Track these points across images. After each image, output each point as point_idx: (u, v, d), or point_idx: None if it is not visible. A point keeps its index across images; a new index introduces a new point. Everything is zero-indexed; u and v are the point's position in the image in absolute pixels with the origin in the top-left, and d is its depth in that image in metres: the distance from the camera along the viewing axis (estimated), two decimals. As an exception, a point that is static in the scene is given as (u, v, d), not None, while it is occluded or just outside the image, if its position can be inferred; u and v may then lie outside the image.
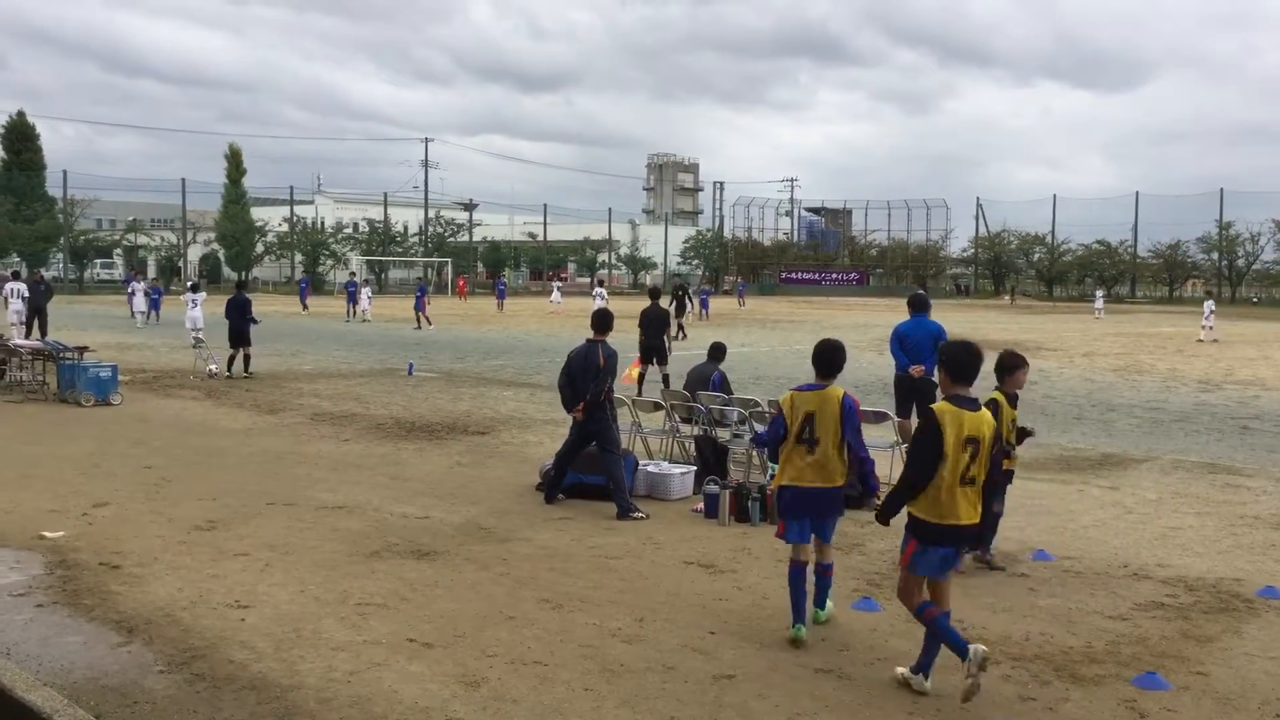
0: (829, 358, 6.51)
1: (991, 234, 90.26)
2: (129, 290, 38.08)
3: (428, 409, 15.50)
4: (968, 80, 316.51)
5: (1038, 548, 8.31)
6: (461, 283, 67.62)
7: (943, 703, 5.33)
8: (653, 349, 17.63)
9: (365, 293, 42.14)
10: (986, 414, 5.48)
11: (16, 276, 30.44)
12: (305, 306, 45.29)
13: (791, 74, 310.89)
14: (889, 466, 10.27)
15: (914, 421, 11.97)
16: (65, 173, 67.13)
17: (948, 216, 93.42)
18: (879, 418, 11.08)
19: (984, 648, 5.18)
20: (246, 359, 19.31)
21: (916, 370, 11.92)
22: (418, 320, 36.01)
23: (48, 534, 8.14)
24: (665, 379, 17.10)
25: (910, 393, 12.15)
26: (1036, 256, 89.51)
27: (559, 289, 53.86)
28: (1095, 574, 7.68)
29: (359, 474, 10.76)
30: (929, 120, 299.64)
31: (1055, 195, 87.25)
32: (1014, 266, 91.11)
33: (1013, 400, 7.74)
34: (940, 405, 5.44)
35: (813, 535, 6.36)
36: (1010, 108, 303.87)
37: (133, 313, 36.37)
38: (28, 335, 22.68)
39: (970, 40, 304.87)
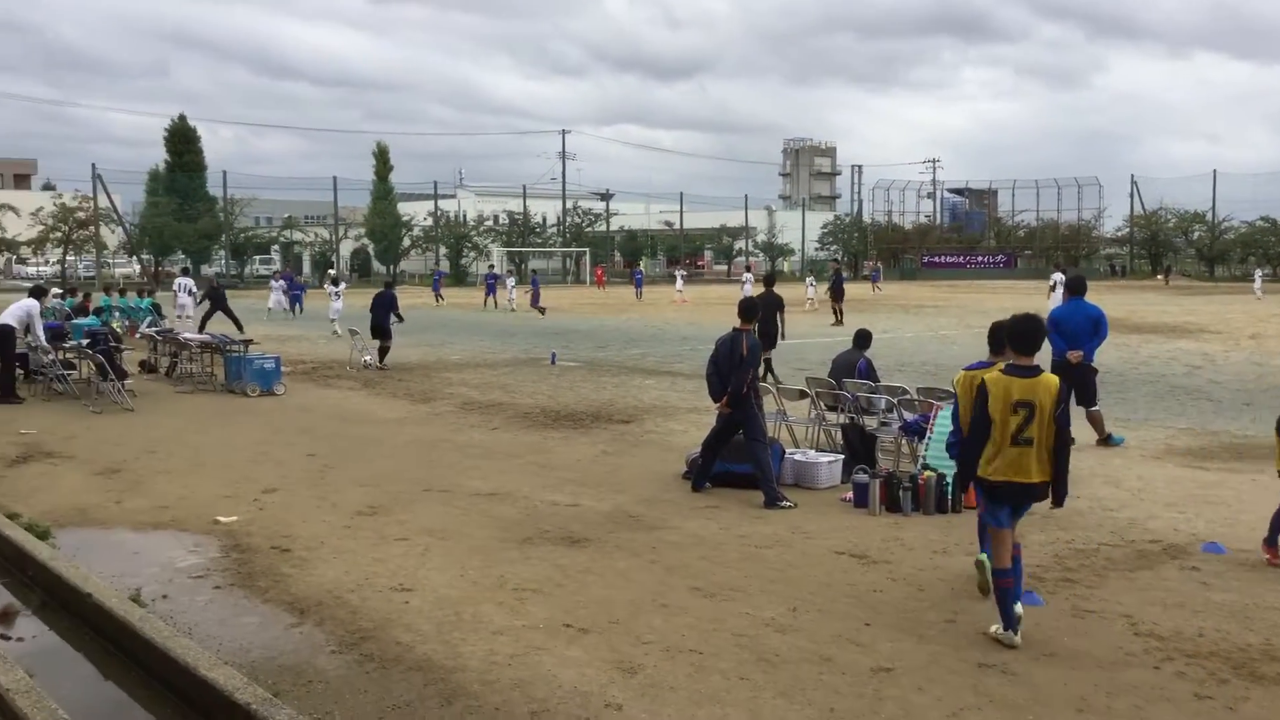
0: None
1: (1147, 212, 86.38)
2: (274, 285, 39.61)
3: (572, 398, 15.71)
4: (1118, 53, 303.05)
5: (1209, 540, 7.93)
6: (599, 272, 68.23)
7: (1114, 700, 5.14)
8: (765, 334, 17.46)
9: (509, 283, 43.00)
10: (1045, 379, 5.92)
11: (185, 273, 32.04)
12: (440, 298, 46.18)
13: (932, 52, 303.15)
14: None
15: (1074, 409, 11.60)
16: (225, 173, 70.38)
17: (1100, 195, 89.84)
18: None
19: (1020, 641, 5.80)
20: (383, 352, 19.94)
21: (1075, 356, 11.52)
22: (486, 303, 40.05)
23: (222, 519, 8.56)
24: (768, 364, 17.00)
25: (1069, 379, 11.75)
26: (1196, 235, 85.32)
27: (682, 277, 53.75)
28: (1272, 568, 7.30)
29: (509, 462, 10.98)
30: (1078, 96, 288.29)
31: (1215, 171, 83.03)
32: (1172, 246, 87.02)
33: None
34: (989, 373, 6.06)
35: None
36: (1164, 81, 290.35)
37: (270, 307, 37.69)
38: (201, 330, 23.83)
39: (1120, 12, 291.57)
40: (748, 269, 45.16)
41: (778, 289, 18.23)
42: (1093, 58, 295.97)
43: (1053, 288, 31.59)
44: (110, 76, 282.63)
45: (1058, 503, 6.12)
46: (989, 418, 5.88)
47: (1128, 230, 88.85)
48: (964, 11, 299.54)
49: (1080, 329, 11.63)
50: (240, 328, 24.94)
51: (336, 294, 28.97)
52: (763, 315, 17.65)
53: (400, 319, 20.54)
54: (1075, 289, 11.96)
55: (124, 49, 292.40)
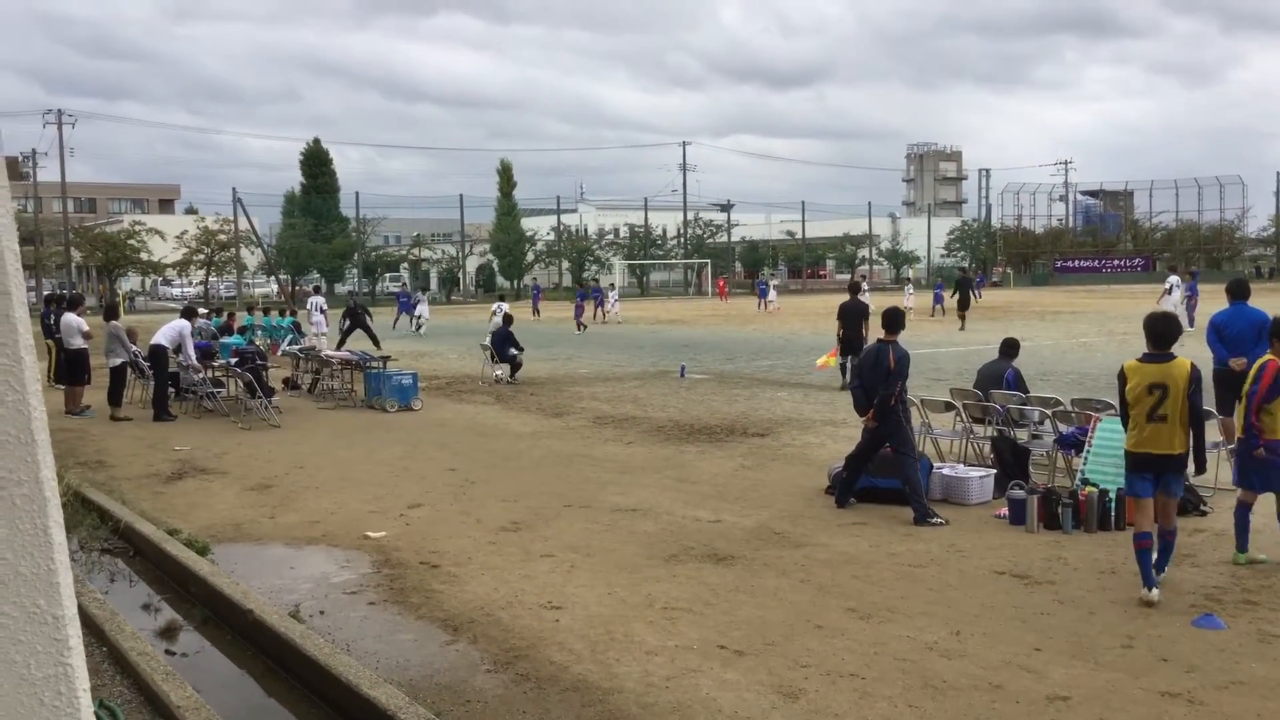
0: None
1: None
2: (408, 301, 40.49)
3: (704, 411, 15.59)
4: (1256, 47, 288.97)
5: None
6: (721, 283, 68.01)
7: (1319, 737, 4.77)
8: (851, 341, 17.69)
9: (612, 296, 43.12)
10: (1179, 363, 6.72)
11: (318, 291, 32.99)
12: (537, 313, 46.01)
13: (1057, 51, 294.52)
14: (1214, 469, 9.43)
15: (1238, 420, 10.99)
16: (357, 194, 72.49)
17: (1244, 194, 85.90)
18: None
19: (1158, 595, 6.53)
20: (515, 366, 20.13)
21: (1238, 363, 10.88)
22: (577, 325, 36.77)
23: (371, 534, 8.68)
24: (844, 369, 17.42)
25: (1232, 389, 11.13)
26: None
27: (775, 288, 52.08)
28: None
29: (646, 476, 10.91)
30: (1213, 92, 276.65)
31: (1373, 164, 78.43)
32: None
33: None
34: (1127, 362, 7.02)
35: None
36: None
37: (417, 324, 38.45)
38: (339, 347, 24.46)
39: (1256, 4, 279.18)
40: (864, 278, 44.62)
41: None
42: (1228, 52, 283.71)
43: (1168, 290, 30.56)
44: (246, 104, 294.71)
45: (1200, 469, 7.73)
46: (1125, 399, 6.87)
47: (1274, 231, 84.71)
48: (1088, 7, 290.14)
49: (1244, 335, 10.99)
50: (377, 344, 25.53)
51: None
52: (845, 324, 18.00)
53: (520, 349, 20.58)
54: (1238, 293, 11.32)
55: (258, 77, 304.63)
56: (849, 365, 17.32)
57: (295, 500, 10.11)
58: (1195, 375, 6.69)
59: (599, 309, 42.93)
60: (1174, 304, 30.03)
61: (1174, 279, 31.38)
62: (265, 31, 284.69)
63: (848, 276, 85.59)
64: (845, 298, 18.46)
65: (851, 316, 17.93)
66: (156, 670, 5.51)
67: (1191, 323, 30.76)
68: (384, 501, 9.90)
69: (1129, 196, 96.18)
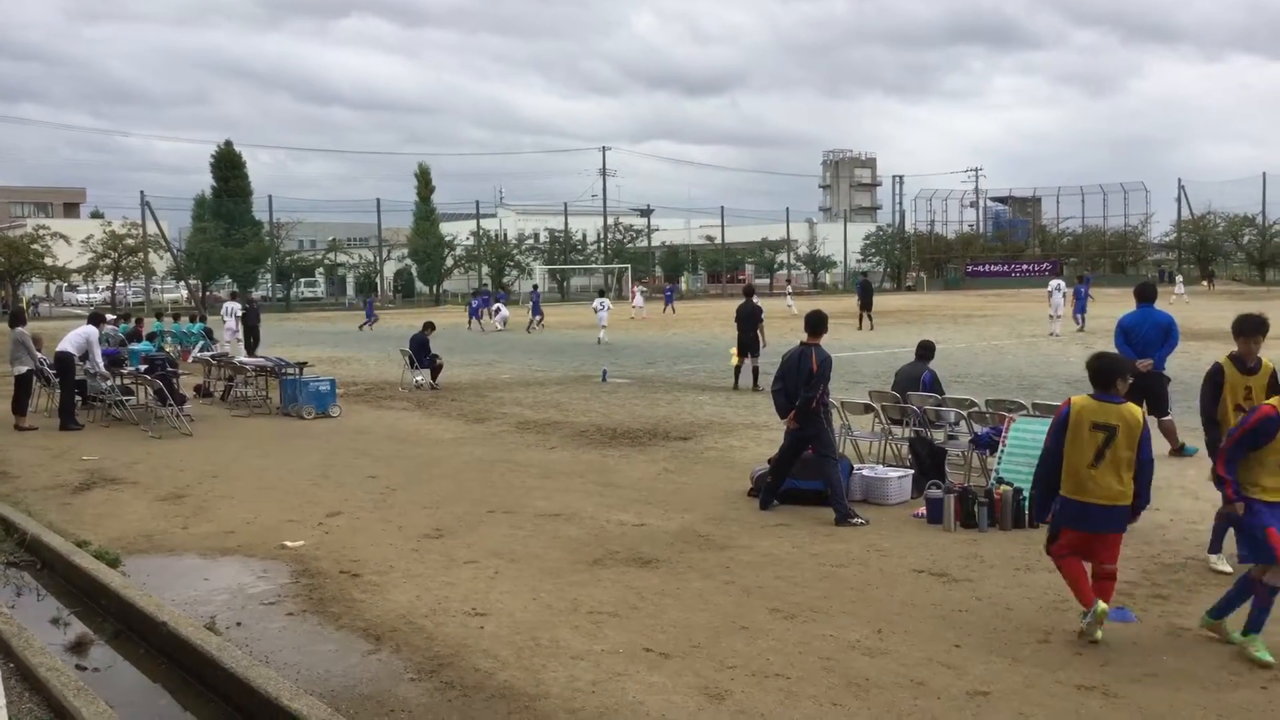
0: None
1: (1195, 217, 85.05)
2: (480, 305, 42.26)
3: (626, 415, 15.60)
4: (1153, 58, 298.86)
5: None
6: (635, 288, 68.04)
7: (1226, 725, 4.93)
8: (747, 342, 18.93)
9: (603, 304, 41.81)
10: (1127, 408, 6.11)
11: (234, 297, 32.35)
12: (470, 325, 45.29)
13: (964, 61, 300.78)
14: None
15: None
16: (270, 198, 71.12)
17: (1147, 200, 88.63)
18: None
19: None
20: (436, 371, 19.98)
21: (1144, 364, 11.24)
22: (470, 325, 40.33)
23: (289, 543, 8.51)
24: (755, 371, 18.57)
25: (1139, 389, 11.46)
26: (1246, 239, 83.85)
27: (641, 293, 50.05)
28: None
29: (570, 481, 10.88)
30: (1115, 102, 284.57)
31: (1265, 173, 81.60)
32: (1221, 250, 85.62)
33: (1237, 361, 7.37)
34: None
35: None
36: (1202, 85, 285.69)
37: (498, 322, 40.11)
38: (250, 353, 24.02)
39: (1153, 16, 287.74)
40: (788, 281, 45.23)
41: (822, 303, 18.51)
42: (1128, 63, 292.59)
43: (1049, 295, 32.06)
44: (153, 106, 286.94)
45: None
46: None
47: (1175, 236, 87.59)
48: (993, 19, 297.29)
49: (1150, 337, 11.36)
50: (251, 349, 25.59)
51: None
52: (741, 326, 19.07)
53: (436, 357, 20.38)
54: (1145, 296, 11.68)
55: (166, 79, 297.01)
56: (742, 367, 18.84)
57: (209, 510, 9.88)
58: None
59: (476, 319, 42.05)
60: (1057, 308, 31.41)
61: (1056, 283, 32.87)
62: (172, 33, 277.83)
63: (765, 281, 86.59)
64: (741, 301, 19.58)
65: (747, 319, 19.02)
66: (68, 686, 5.33)
67: (1082, 323, 32.30)
68: (302, 510, 9.72)
69: (1037, 203, 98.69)
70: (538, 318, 40.81)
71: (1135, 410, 6.08)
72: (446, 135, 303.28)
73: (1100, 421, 5.99)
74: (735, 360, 19.09)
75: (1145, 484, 6.08)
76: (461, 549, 8.25)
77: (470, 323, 41.97)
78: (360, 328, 42.44)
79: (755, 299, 19.65)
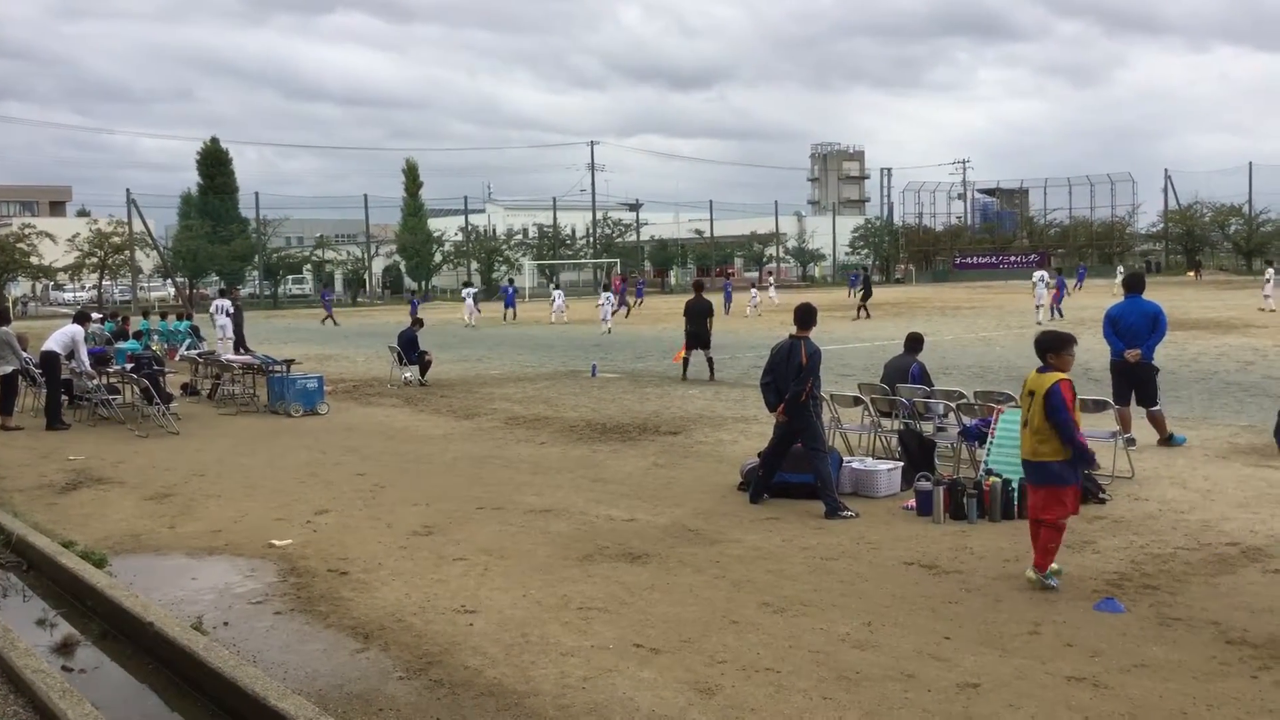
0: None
1: (1182, 207, 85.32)
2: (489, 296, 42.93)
3: (616, 410, 15.57)
4: (1137, 49, 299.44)
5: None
6: (617, 283, 68.00)
7: (1215, 713, 4.93)
8: (697, 335, 19.43)
9: (606, 298, 41.36)
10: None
11: (223, 294, 32.20)
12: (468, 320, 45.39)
13: (949, 53, 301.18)
14: (1111, 458, 9.73)
15: (1133, 410, 11.33)
16: (257, 195, 70.89)
17: (1134, 191, 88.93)
18: (1098, 406, 10.48)
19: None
20: (425, 367, 19.95)
21: (1132, 354, 11.27)
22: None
23: (276, 542, 8.47)
24: (710, 362, 19.28)
25: (1127, 379, 11.49)
26: (1233, 229, 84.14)
27: (561, 295, 45.01)
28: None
29: (560, 476, 10.85)
30: (1100, 93, 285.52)
31: (1251, 163, 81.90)
32: (1208, 240, 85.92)
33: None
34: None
35: None
36: (1186, 75, 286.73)
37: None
38: (239, 350, 23.89)
39: (1137, 7, 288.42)
40: (770, 274, 45.73)
41: (810, 295, 18.72)
42: (1113, 54, 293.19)
43: (1033, 285, 33.07)
44: (138, 103, 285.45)
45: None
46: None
47: (1162, 226, 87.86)
48: (976, 12, 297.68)
49: (1138, 327, 11.37)
50: (236, 347, 25.50)
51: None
52: (690, 320, 19.44)
53: (425, 353, 20.36)
54: (1133, 286, 11.69)
55: (150, 76, 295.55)
56: (691, 359, 19.48)
57: (196, 509, 9.82)
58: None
59: (510, 309, 43.50)
60: (1040, 299, 31.97)
61: (1039, 274, 33.53)
62: (156, 29, 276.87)
63: (754, 274, 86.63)
64: (691, 296, 19.97)
65: (696, 314, 19.43)
66: (53, 687, 5.28)
67: (1059, 314, 32.92)
68: (290, 509, 9.67)
69: (1024, 194, 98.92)
70: (510, 309, 43.43)
71: (1047, 378, 6.80)
72: (434, 130, 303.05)
73: (1029, 389, 6.90)
74: (682, 354, 19.82)
75: (1066, 440, 6.72)
76: (451, 546, 8.22)
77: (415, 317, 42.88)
78: (323, 322, 43.58)
79: (705, 294, 20.16)
